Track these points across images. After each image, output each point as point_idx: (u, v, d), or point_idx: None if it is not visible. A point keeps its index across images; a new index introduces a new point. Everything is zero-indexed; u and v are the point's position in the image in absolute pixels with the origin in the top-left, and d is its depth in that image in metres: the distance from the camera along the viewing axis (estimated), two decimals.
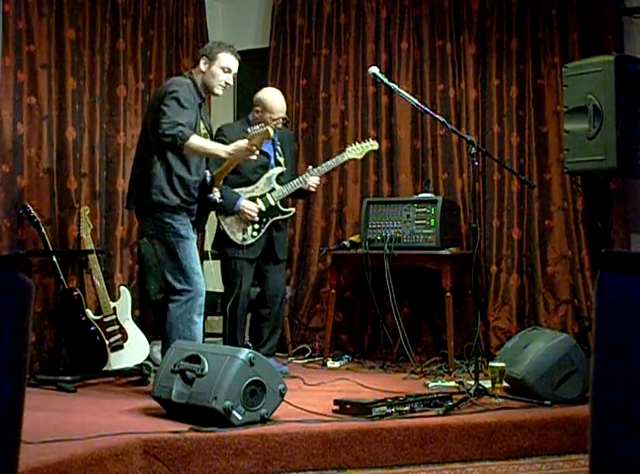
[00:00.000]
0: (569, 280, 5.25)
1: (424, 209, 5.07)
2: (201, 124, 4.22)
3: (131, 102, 5.40)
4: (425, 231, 5.03)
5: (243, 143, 4.01)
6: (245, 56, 6.38)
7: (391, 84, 4.20)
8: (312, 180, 4.86)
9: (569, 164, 4.67)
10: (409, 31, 5.70)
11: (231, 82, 4.28)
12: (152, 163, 4.13)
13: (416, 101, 4.15)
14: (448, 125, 4.15)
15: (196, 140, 4.01)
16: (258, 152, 4.10)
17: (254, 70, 6.29)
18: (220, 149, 4.07)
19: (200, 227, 4.36)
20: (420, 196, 5.31)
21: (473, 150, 3.99)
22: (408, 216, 5.10)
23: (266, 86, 5.81)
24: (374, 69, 4.21)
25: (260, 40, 6.28)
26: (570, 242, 5.25)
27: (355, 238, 5.31)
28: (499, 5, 5.47)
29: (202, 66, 4.22)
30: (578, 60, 4.88)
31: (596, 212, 5.06)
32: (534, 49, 5.38)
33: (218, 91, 4.27)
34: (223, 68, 4.22)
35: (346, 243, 5.29)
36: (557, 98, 5.23)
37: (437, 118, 4.23)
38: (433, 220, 5.02)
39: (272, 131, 3.99)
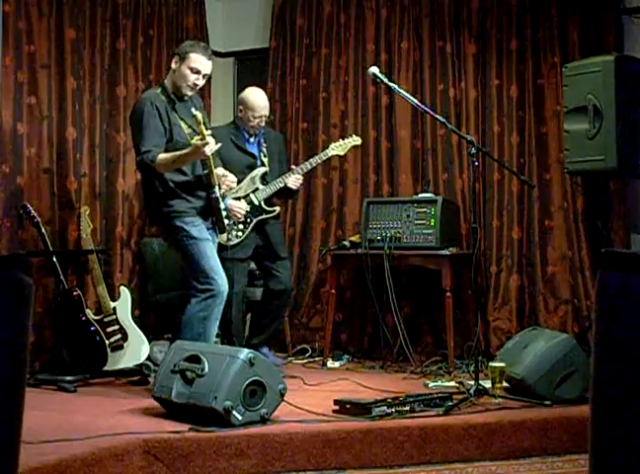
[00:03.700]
0: (569, 280, 5.25)
1: (424, 209, 5.07)
2: (183, 125, 4.17)
3: (131, 102, 5.39)
4: (425, 231, 5.03)
5: (196, 139, 3.94)
6: (245, 56, 6.45)
7: (391, 84, 4.21)
8: (293, 178, 4.86)
9: (569, 164, 4.68)
10: (409, 31, 5.70)
11: (200, 83, 4.20)
12: (148, 172, 4.15)
13: (416, 101, 4.16)
14: (448, 125, 4.16)
15: (160, 159, 4.01)
16: (213, 142, 3.94)
17: (254, 70, 6.29)
18: (183, 154, 4.00)
19: (220, 227, 4.26)
20: (420, 196, 5.31)
21: (473, 150, 3.99)
22: (408, 216, 5.10)
23: (266, 86, 5.84)
24: (374, 69, 4.22)
25: (260, 40, 6.28)
26: (570, 242, 5.25)
27: (355, 238, 5.31)
28: (499, 5, 5.47)
29: (174, 65, 4.19)
30: (578, 60, 4.88)
31: (596, 212, 5.06)
32: (534, 49, 5.38)
33: (186, 91, 4.19)
34: (192, 68, 4.13)
35: (346, 243, 5.28)
36: (557, 98, 5.22)
37: (437, 119, 4.24)
38: (433, 220, 5.02)
39: (198, 114, 3.90)
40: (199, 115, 3.92)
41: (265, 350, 4.83)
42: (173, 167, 4.09)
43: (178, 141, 4.13)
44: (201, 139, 3.88)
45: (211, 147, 3.93)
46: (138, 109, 4.16)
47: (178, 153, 4.02)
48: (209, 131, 3.99)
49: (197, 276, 4.11)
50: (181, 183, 4.15)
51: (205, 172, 4.13)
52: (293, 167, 4.96)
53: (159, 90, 4.22)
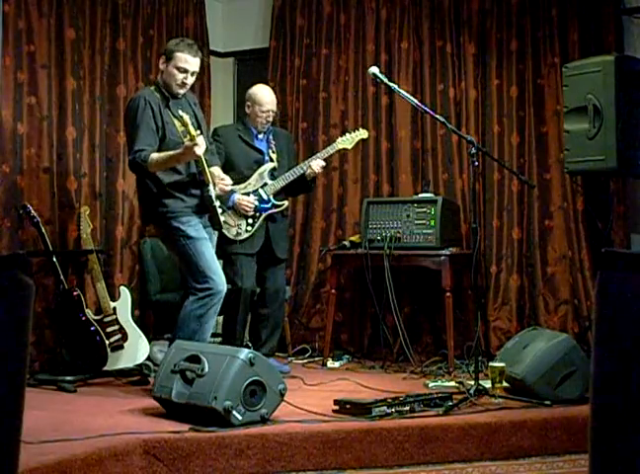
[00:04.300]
0: (569, 280, 5.25)
1: (424, 209, 5.07)
2: (176, 122, 4.14)
3: None
4: (425, 231, 5.03)
5: (186, 140, 3.95)
6: (245, 56, 6.45)
7: (391, 84, 4.21)
8: (316, 163, 4.84)
9: (569, 164, 4.68)
10: (409, 31, 5.70)
11: (189, 81, 4.19)
12: (140, 172, 4.15)
13: (416, 101, 4.16)
14: (448, 125, 4.16)
15: (152, 159, 4.00)
16: (202, 142, 3.93)
17: (254, 70, 6.29)
18: (175, 155, 4.00)
19: (216, 224, 4.25)
20: (420, 196, 5.31)
21: (473, 150, 4.00)
22: (408, 216, 5.10)
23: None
24: (374, 69, 4.22)
25: (260, 40, 6.28)
26: (570, 242, 5.25)
27: (355, 238, 5.31)
28: (499, 5, 5.47)
29: (161, 65, 4.20)
30: (578, 60, 4.88)
31: (596, 212, 5.06)
32: (534, 49, 5.38)
33: (177, 90, 4.18)
34: (179, 68, 4.13)
35: (346, 243, 5.29)
36: (557, 98, 5.22)
37: (437, 118, 4.24)
38: (433, 220, 5.02)
39: (185, 116, 3.90)
40: (185, 116, 3.92)
41: (271, 360, 4.79)
42: (165, 167, 4.08)
43: (171, 140, 4.13)
44: (191, 140, 3.89)
45: (201, 147, 3.92)
46: (132, 106, 4.15)
47: (169, 153, 4.03)
48: (199, 131, 3.99)
49: (195, 276, 4.11)
50: (174, 182, 4.15)
51: (199, 170, 4.14)
52: (317, 155, 4.93)
53: (153, 88, 4.23)
